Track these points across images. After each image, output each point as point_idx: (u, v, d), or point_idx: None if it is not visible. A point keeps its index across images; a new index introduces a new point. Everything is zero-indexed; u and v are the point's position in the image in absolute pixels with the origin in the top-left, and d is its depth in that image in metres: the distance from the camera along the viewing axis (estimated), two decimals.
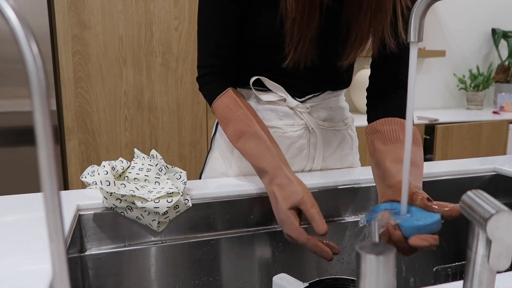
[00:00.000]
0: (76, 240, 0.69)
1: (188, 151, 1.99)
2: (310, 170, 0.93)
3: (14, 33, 0.27)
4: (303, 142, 0.90)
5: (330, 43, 0.82)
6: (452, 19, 2.97)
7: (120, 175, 0.75)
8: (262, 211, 0.81)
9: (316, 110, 0.90)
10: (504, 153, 2.46)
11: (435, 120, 2.33)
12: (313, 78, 0.87)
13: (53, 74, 1.77)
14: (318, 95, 0.89)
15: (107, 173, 0.69)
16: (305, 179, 0.87)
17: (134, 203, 0.69)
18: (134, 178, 0.74)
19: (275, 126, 0.88)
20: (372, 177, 0.90)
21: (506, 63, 3.05)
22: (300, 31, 0.75)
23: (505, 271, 0.45)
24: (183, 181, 0.76)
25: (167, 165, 0.78)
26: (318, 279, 0.68)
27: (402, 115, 0.77)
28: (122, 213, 0.71)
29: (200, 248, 0.77)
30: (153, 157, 0.78)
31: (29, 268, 0.50)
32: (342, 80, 0.92)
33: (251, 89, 0.87)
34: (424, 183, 0.91)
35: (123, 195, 0.68)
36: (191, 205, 0.74)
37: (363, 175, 0.89)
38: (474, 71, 3.04)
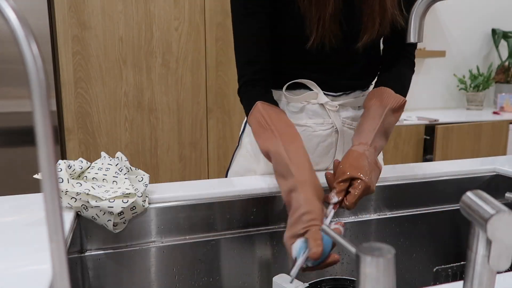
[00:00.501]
0: (76, 240, 0.69)
1: (188, 151, 1.99)
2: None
3: (14, 34, 0.27)
4: (331, 141, 0.91)
5: (348, 24, 0.83)
6: (452, 20, 2.97)
7: (79, 175, 0.74)
8: (262, 211, 0.81)
9: (345, 109, 0.92)
10: (504, 153, 2.46)
11: (435, 120, 2.33)
12: (343, 74, 0.89)
13: (53, 75, 1.77)
14: (349, 93, 0.91)
15: (61, 170, 0.68)
16: None
17: (88, 202, 0.68)
18: (93, 178, 0.73)
19: (305, 124, 0.89)
20: None
21: (506, 63, 3.05)
22: (318, 11, 0.77)
23: (505, 271, 0.45)
24: (145, 183, 0.75)
25: (131, 167, 0.78)
26: (318, 279, 0.68)
27: (394, 84, 0.85)
28: (79, 212, 0.70)
29: (200, 249, 0.77)
30: (118, 158, 0.78)
31: (29, 269, 0.50)
32: (369, 77, 0.94)
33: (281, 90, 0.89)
34: (425, 183, 0.91)
35: (77, 193, 0.67)
36: (147, 205, 0.73)
37: None
38: (474, 71, 3.04)
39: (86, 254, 0.71)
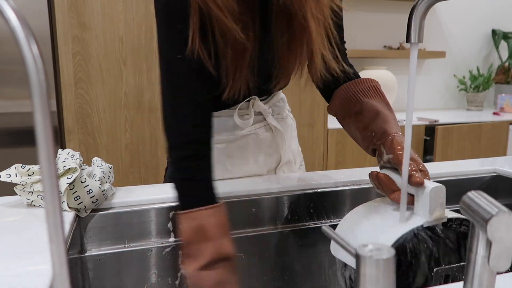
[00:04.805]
0: (76, 241, 0.69)
1: None
2: (278, 167, 0.96)
3: (15, 34, 0.27)
4: (274, 142, 0.94)
5: (263, 70, 0.80)
6: (452, 20, 2.97)
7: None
8: (262, 212, 0.81)
9: (274, 106, 0.95)
10: (504, 154, 2.45)
11: (435, 121, 2.33)
12: (261, 91, 0.88)
13: (53, 75, 1.77)
14: (273, 94, 0.94)
15: (10, 168, 0.70)
16: (304, 180, 0.87)
17: (39, 191, 0.69)
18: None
19: (251, 132, 0.90)
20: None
21: (506, 64, 3.05)
22: (234, 63, 0.70)
23: (505, 272, 0.45)
24: (106, 168, 0.77)
25: (109, 166, 0.80)
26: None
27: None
28: (41, 206, 0.72)
29: None
30: (93, 163, 0.79)
31: (29, 269, 0.50)
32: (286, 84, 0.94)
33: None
34: None
35: (23, 184, 0.69)
36: (105, 188, 0.73)
37: (363, 176, 0.89)
38: (474, 72, 3.04)
39: (86, 254, 0.71)
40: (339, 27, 0.80)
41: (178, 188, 0.68)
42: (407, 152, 0.58)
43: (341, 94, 0.80)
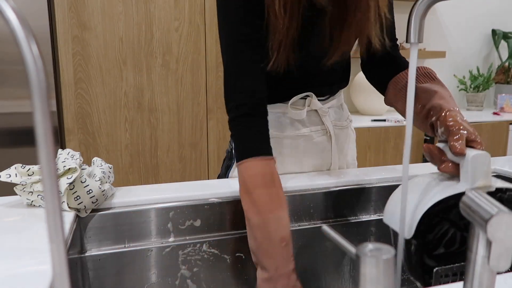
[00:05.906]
0: (76, 241, 0.69)
1: (188, 152, 1.99)
2: (329, 169, 0.96)
3: (15, 34, 0.27)
4: (328, 145, 0.93)
5: (312, 47, 0.81)
6: (452, 20, 2.97)
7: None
8: None
9: (332, 110, 0.94)
10: (504, 154, 2.45)
11: None
12: (324, 81, 0.89)
13: (53, 75, 1.77)
14: (334, 94, 0.94)
15: (10, 168, 0.70)
16: (306, 181, 0.87)
17: (39, 191, 0.69)
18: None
19: (304, 134, 0.90)
20: (372, 178, 0.90)
21: (506, 64, 3.05)
22: (279, 36, 0.73)
23: (505, 272, 0.45)
24: (106, 168, 0.77)
25: (109, 166, 0.80)
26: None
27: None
28: (41, 206, 0.72)
29: (200, 249, 0.77)
30: (93, 163, 0.79)
31: (29, 269, 0.50)
32: (344, 79, 0.95)
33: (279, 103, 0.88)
34: None
35: (23, 184, 0.69)
36: (105, 188, 0.73)
37: (364, 176, 0.89)
38: (474, 72, 3.04)
39: (86, 254, 0.71)
40: (392, 17, 0.85)
41: (236, 140, 0.73)
42: (407, 151, 0.58)
43: (395, 84, 0.83)
